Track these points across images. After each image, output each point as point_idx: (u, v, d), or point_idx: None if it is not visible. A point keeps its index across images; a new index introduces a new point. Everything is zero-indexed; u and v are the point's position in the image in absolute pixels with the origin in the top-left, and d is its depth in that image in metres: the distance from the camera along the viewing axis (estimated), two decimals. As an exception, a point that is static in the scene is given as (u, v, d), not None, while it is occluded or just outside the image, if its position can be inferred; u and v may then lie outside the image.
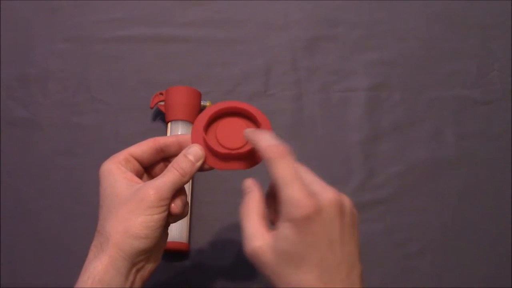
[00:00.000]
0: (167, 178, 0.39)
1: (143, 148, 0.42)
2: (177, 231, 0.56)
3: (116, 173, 0.39)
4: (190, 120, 0.62)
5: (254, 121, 0.43)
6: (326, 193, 0.35)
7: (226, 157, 0.42)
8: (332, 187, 0.36)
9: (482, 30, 0.72)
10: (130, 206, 0.37)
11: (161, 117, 0.65)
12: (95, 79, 0.67)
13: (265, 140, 0.37)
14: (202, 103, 0.64)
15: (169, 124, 0.61)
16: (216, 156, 0.42)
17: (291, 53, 0.69)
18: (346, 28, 0.71)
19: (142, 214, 0.37)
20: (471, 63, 0.70)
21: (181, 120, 0.61)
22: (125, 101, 0.66)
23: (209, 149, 0.42)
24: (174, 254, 0.57)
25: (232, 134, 0.42)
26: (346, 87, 0.68)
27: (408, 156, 0.64)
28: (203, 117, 0.42)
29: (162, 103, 0.63)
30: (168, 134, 0.61)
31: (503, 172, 0.64)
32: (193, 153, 0.41)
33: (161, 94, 0.63)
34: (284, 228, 0.34)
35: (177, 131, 0.61)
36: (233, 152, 0.41)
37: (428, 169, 0.63)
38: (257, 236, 0.36)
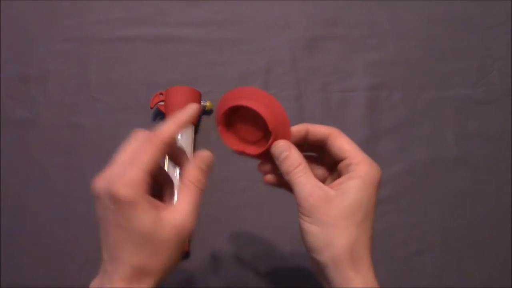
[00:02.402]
0: (192, 204, 0.37)
1: (156, 159, 0.37)
2: (177, 231, 0.56)
3: (141, 207, 0.34)
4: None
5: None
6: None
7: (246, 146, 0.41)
8: None
9: (482, 30, 0.72)
10: (163, 246, 0.36)
11: (161, 117, 0.65)
12: (95, 79, 0.67)
13: (317, 125, 0.41)
14: (202, 103, 0.64)
15: (169, 124, 0.61)
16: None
17: (291, 53, 0.69)
18: (346, 28, 0.71)
19: (173, 255, 0.36)
20: (471, 63, 0.70)
21: (181, 120, 0.61)
22: (125, 101, 0.66)
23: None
24: (174, 254, 0.57)
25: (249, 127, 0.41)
26: (346, 87, 0.68)
27: (408, 156, 0.64)
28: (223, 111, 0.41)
29: (162, 103, 0.63)
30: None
31: (503, 172, 0.64)
32: (206, 163, 0.40)
33: (161, 94, 0.63)
34: (355, 183, 0.37)
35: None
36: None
37: (428, 169, 0.63)
38: (319, 188, 0.38)
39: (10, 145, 0.64)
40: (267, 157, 0.41)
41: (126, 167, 0.35)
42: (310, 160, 0.42)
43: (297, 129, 0.41)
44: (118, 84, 0.67)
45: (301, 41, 0.70)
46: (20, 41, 0.70)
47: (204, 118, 0.65)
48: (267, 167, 0.42)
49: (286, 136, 0.40)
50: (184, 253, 0.58)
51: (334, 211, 0.36)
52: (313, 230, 0.37)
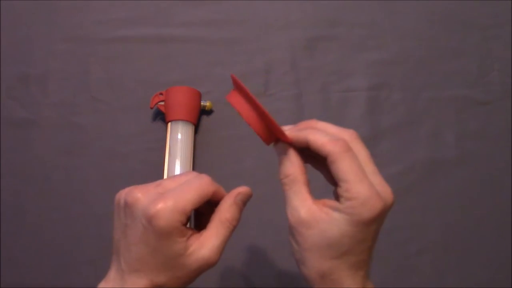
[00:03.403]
0: (223, 241, 0.37)
1: (203, 197, 0.36)
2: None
3: (174, 237, 0.34)
4: (190, 120, 0.62)
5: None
6: (388, 195, 0.35)
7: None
8: (388, 185, 0.36)
9: (482, 30, 0.72)
10: (183, 273, 0.36)
11: (161, 117, 0.65)
12: (95, 79, 0.67)
13: (320, 136, 0.35)
14: (202, 103, 0.64)
15: (169, 124, 0.61)
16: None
17: (291, 53, 0.69)
18: (346, 28, 0.71)
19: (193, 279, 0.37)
20: (471, 63, 0.70)
21: (181, 120, 0.61)
22: (125, 101, 0.66)
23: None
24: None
25: None
26: (346, 87, 0.68)
27: (408, 156, 0.64)
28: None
29: (162, 103, 0.63)
30: (168, 134, 0.61)
31: (503, 172, 0.64)
32: (244, 200, 0.39)
33: (161, 94, 0.63)
34: (341, 217, 0.33)
35: (177, 131, 0.61)
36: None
37: (428, 169, 0.63)
38: (304, 208, 0.34)
39: (10, 145, 0.64)
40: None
41: (171, 196, 0.35)
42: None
43: (297, 139, 0.36)
44: (118, 84, 0.67)
45: (301, 41, 0.70)
46: (20, 41, 0.69)
47: (204, 118, 0.65)
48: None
49: (281, 135, 0.37)
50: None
51: (312, 239, 0.34)
52: (292, 244, 0.36)
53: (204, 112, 0.65)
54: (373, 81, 0.68)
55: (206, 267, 0.36)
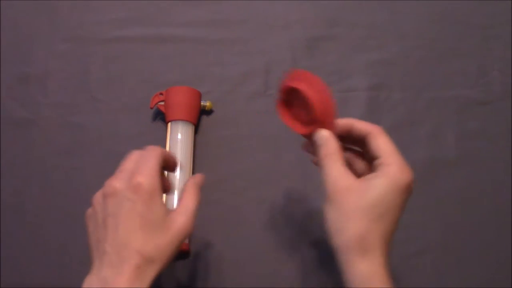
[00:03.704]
0: (194, 210, 0.42)
1: (160, 163, 0.42)
2: (177, 231, 0.56)
3: (158, 198, 0.40)
4: (190, 120, 0.62)
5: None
6: (411, 173, 0.41)
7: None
8: None
9: (482, 30, 0.72)
10: (167, 239, 0.39)
11: (161, 117, 0.65)
12: (95, 79, 0.67)
13: (362, 122, 0.44)
14: (202, 103, 0.64)
15: (169, 124, 0.61)
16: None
17: (291, 53, 0.69)
18: (346, 28, 0.71)
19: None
20: (471, 63, 0.70)
21: (181, 120, 0.61)
22: (125, 101, 0.66)
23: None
24: (174, 254, 0.57)
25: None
26: (346, 87, 0.68)
27: (408, 156, 0.63)
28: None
29: (162, 103, 0.63)
30: (168, 134, 0.61)
31: (503, 172, 0.64)
32: (201, 183, 0.45)
33: (161, 94, 0.63)
34: (381, 182, 0.39)
35: (177, 131, 0.61)
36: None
37: (428, 169, 0.63)
38: (344, 177, 0.40)
39: (10, 145, 0.64)
40: (311, 139, 0.44)
41: (139, 167, 0.40)
42: (354, 153, 0.46)
43: (343, 123, 0.44)
44: (118, 84, 0.67)
45: (301, 41, 0.70)
46: (20, 41, 0.70)
47: (204, 118, 0.65)
48: (310, 147, 0.46)
49: (331, 125, 0.43)
50: (184, 252, 0.58)
51: (352, 201, 0.39)
52: (330, 216, 0.40)
53: (204, 112, 0.65)
54: (373, 81, 0.68)
55: (184, 233, 0.40)
